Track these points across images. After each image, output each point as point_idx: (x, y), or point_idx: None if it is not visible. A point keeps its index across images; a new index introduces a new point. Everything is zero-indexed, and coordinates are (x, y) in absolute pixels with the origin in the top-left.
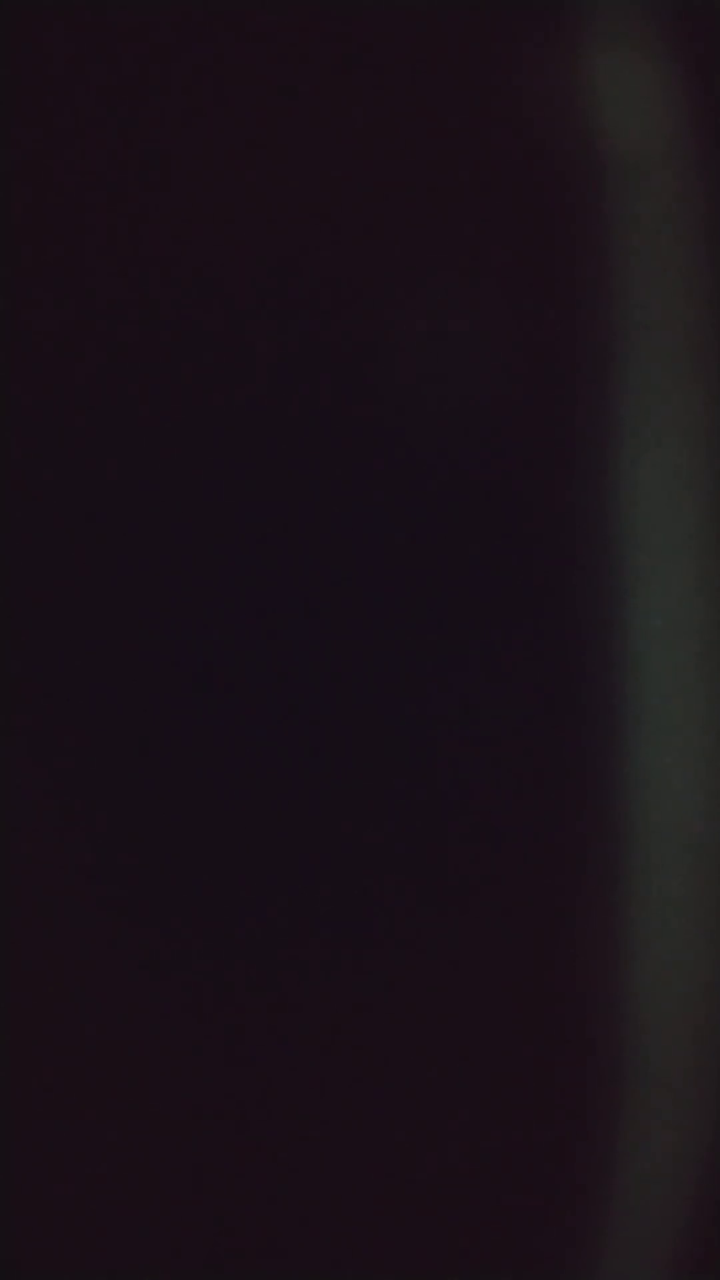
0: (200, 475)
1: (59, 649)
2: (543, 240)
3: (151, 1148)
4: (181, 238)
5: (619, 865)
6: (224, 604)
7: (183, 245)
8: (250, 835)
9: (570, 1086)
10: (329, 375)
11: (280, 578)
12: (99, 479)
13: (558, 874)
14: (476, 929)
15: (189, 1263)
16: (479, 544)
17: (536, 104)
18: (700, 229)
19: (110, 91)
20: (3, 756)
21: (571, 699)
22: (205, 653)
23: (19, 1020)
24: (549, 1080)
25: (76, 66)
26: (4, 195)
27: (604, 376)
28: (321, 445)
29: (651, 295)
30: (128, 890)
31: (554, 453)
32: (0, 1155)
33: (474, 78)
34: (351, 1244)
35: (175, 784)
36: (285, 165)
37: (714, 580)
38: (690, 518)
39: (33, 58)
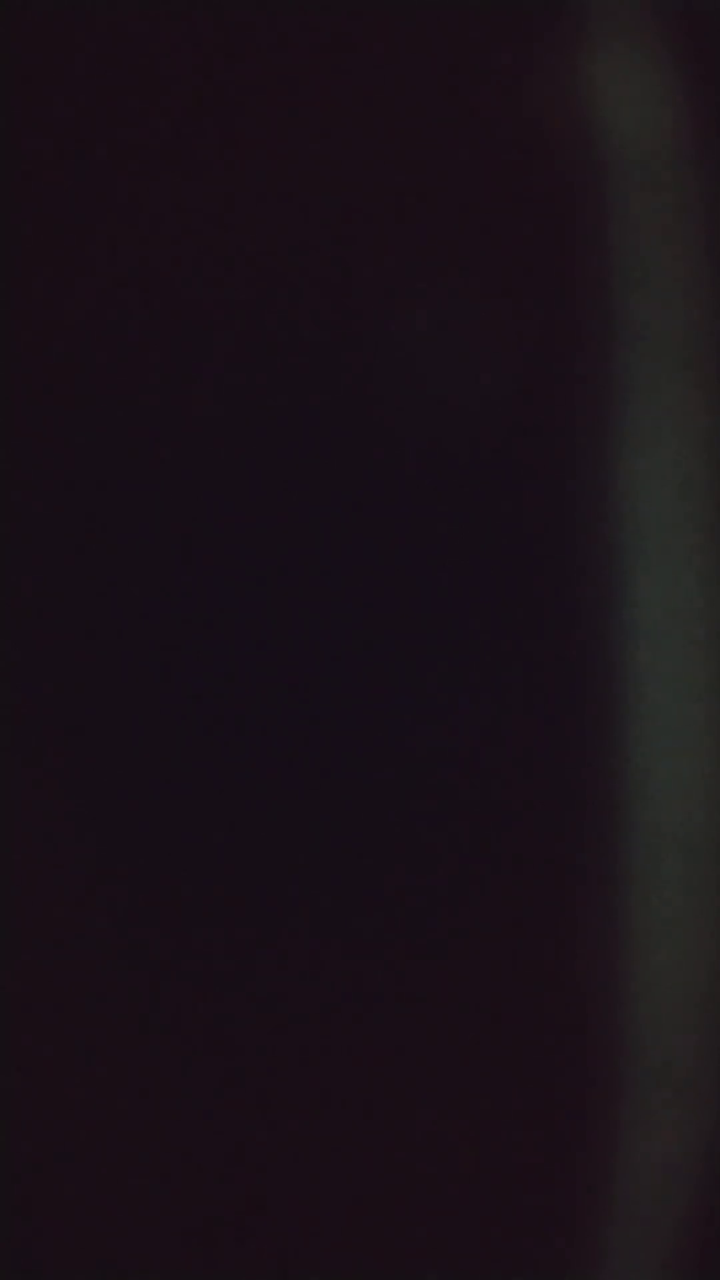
0: (201, 472)
1: (59, 648)
2: (543, 240)
3: (152, 1150)
4: (182, 236)
5: (619, 865)
6: (223, 605)
7: (183, 243)
8: (250, 834)
9: (570, 1086)
10: (328, 374)
11: (279, 579)
12: (99, 475)
13: (558, 874)
14: (476, 929)
15: (189, 1263)
16: (478, 543)
17: (537, 104)
18: (700, 229)
19: (111, 90)
20: (3, 758)
21: (571, 698)
22: (204, 651)
23: (19, 1021)
24: (549, 1080)
25: (77, 65)
26: (4, 195)
27: (604, 376)
28: (321, 446)
29: (651, 295)
30: (128, 893)
31: (554, 452)
32: (0, 1155)
33: (474, 77)
34: (352, 1244)
35: (175, 789)
36: (286, 166)
37: (714, 580)
38: (690, 517)
39: (33, 57)
